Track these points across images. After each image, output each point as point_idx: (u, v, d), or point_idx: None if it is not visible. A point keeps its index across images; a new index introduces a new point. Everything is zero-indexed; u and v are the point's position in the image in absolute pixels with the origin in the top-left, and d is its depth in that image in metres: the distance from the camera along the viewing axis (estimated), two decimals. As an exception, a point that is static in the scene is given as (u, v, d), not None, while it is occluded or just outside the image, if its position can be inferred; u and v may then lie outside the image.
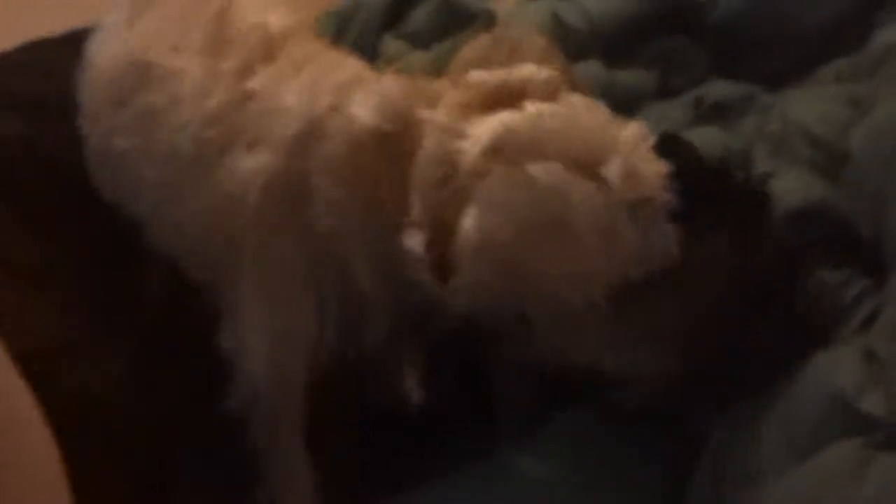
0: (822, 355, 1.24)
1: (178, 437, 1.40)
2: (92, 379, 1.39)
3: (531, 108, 1.18)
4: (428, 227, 1.16)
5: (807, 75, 1.68)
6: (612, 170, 1.14)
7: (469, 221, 1.14)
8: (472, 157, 1.16)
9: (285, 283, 1.28)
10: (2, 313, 1.34)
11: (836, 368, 1.21)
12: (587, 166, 1.14)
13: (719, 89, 1.68)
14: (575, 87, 1.24)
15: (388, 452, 1.37)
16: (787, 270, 1.26)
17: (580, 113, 1.20)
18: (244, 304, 1.29)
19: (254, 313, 1.29)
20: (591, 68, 1.64)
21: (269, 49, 1.29)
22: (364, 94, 1.23)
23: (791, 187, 1.38)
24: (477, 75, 1.23)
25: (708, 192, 1.22)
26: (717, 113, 1.64)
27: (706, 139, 1.46)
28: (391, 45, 1.89)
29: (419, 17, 1.93)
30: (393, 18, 1.94)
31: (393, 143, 1.20)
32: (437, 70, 1.35)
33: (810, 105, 1.56)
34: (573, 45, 1.68)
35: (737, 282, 1.23)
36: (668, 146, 1.20)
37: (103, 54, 1.44)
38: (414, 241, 1.16)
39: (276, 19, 1.33)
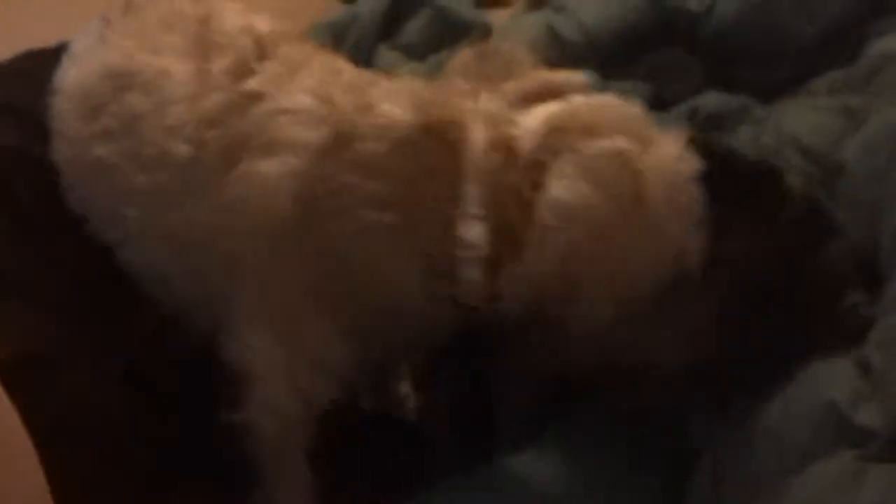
0: (817, 366, 1.23)
1: (169, 453, 1.39)
2: (78, 392, 1.38)
3: (577, 98, 1.20)
4: (488, 216, 1.14)
5: (800, 87, 1.69)
6: (665, 147, 1.16)
7: (557, 190, 1.12)
8: (537, 139, 1.15)
9: (309, 292, 1.22)
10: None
11: (830, 380, 1.21)
12: (642, 143, 1.16)
13: (713, 101, 1.70)
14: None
15: (387, 455, 1.37)
16: (788, 270, 1.26)
17: (622, 104, 1.22)
18: (255, 319, 1.24)
19: (267, 329, 1.24)
20: (587, 80, 1.65)
21: (261, 50, 1.26)
22: (387, 92, 1.22)
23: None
24: (513, 82, 1.23)
25: (738, 190, 1.23)
26: (711, 124, 1.65)
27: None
28: (386, 56, 1.90)
29: (414, 28, 1.94)
30: (388, 30, 1.95)
31: (437, 136, 1.18)
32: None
33: (803, 117, 1.57)
34: (569, 57, 1.69)
35: (763, 277, 1.24)
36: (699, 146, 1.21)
37: (74, 74, 1.39)
38: (473, 232, 1.14)
39: (262, 24, 1.32)
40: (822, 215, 1.33)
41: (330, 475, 1.29)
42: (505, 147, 1.16)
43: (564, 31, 1.76)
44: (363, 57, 1.85)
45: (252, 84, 1.23)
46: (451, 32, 1.86)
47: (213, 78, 1.24)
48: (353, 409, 1.39)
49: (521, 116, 1.19)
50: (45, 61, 1.53)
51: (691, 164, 1.17)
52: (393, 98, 1.20)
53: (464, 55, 1.31)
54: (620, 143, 1.15)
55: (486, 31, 1.84)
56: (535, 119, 1.18)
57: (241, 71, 1.24)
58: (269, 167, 1.19)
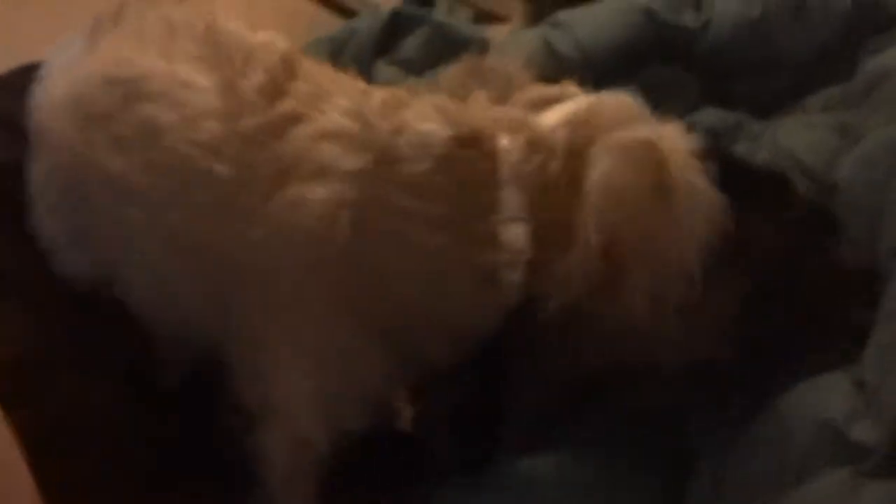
0: (813, 381, 1.24)
1: (169, 453, 1.38)
2: (78, 392, 1.37)
3: (583, 98, 1.22)
4: (529, 218, 1.15)
5: (796, 103, 1.71)
6: (675, 137, 1.18)
7: (600, 173, 1.14)
8: (567, 133, 1.17)
9: (354, 319, 1.21)
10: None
11: (826, 395, 1.21)
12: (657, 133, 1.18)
13: (710, 117, 1.71)
14: None
15: (387, 455, 1.36)
16: (789, 270, 1.27)
17: (626, 98, 1.24)
18: (286, 349, 1.22)
19: (300, 360, 1.22)
20: (583, 96, 1.66)
21: (290, 68, 1.24)
22: (417, 111, 1.21)
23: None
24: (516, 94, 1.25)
25: (745, 189, 1.24)
26: (707, 140, 1.66)
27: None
28: (384, 71, 1.91)
29: (412, 44, 1.95)
30: (386, 45, 1.96)
31: (472, 147, 1.18)
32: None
33: (799, 133, 1.58)
34: (565, 72, 1.69)
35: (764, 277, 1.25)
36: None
37: (62, 84, 1.34)
38: (515, 236, 1.15)
39: (280, 40, 1.31)
40: (825, 217, 1.35)
41: (330, 476, 1.29)
42: (538, 147, 1.17)
43: (561, 47, 1.77)
44: (362, 72, 1.86)
45: (287, 105, 1.21)
46: (450, 48, 1.86)
47: (246, 95, 1.22)
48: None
49: (539, 119, 1.20)
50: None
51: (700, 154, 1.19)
52: (424, 115, 1.20)
53: (454, 70, 1.32)
54: (644, 131, 1.17)
55: (484, 47, 1.85)
56: (555, 118, 1.19)
57: (274, 89, 1.22)
58: (321, 194, 1.18)
